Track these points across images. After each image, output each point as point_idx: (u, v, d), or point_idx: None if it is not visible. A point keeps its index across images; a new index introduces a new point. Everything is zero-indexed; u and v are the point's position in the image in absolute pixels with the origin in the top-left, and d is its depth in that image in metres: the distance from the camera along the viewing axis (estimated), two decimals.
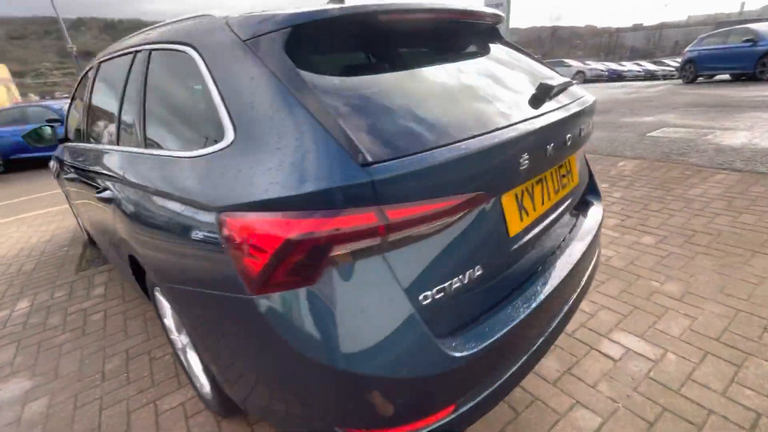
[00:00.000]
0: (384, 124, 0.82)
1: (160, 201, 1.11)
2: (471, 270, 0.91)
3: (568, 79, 1.28)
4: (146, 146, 1.29)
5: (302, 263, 0.77)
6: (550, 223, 1.19)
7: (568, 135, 1.11)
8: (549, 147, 1.02)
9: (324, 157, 0.75)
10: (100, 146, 1.86)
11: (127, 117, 1.50)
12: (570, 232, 1.37)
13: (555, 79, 1.26)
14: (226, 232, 0.84)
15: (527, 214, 1.06)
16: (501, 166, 0.91)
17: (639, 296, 2.00)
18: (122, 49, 1.64)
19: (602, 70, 20.10)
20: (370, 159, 0.74)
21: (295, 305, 0.80)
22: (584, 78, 19.29)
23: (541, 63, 1.47)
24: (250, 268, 0.81)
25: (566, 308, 1.22)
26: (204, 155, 0.97)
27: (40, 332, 2.26)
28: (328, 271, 0.78)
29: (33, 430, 1.59)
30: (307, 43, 0.94)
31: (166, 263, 1.17)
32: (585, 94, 1.38)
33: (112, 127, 1.66)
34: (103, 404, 1.69)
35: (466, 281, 0.90)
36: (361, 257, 0.78)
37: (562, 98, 1.21)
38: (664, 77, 20.46)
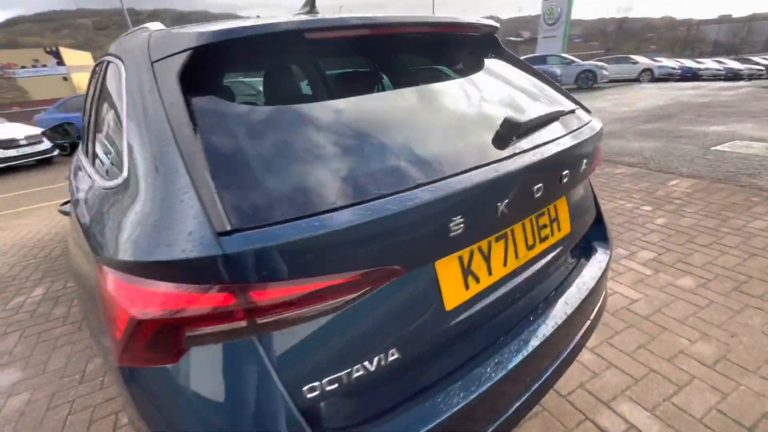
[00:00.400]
0: (268, 179, 0.66)
1: (75, 230, 1.04)
2: (382, 355, 0.74)
3: (558, 109, 1.04)
4: (93, 164, 1.24)
5: (155, 341, 0.64)
6: (518, 286, 0.97)
7: (538, 186, 0.87)
8: (500, 205, 0.79)
9: (181, 219, 0.61)
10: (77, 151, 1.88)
11: (87, 127, 1.47)
12: (556, 290, 1.14)
13: (539, 109, 1.02)
14: (100, 284, 0.73)
15: (477, 280, 0.86)
16: (420, 234, 0.71)
17: (660, 356, 1.69)
18: (101, 56, 1.61)
19: (674, 68, 18.13)
20: (228, 227, 0.59)
21: (151, 384, 0.68)
22: (652, 76, 17.55)
23: (547, 82, 1.22)
24: (113, 333, 0.70)
25: (537, 386, 1.00)
26: (106, 188, 0.87)
27: (43, 322, 2.37)
28: (189, 350, 0.65)
29: (4, 428, 1.64)
30: (210, 69, 0.80)
31: (78, 293, 1.11)
32: (587, 122, 1.12)
33: (84, 135, 1.65)
34: (72, 408, 1.71)
35: (373, 368, 0.73)
36: (228, 338, 0.64)
37: (544, 133, 0.96)
38: (750, 77, 18.07)
